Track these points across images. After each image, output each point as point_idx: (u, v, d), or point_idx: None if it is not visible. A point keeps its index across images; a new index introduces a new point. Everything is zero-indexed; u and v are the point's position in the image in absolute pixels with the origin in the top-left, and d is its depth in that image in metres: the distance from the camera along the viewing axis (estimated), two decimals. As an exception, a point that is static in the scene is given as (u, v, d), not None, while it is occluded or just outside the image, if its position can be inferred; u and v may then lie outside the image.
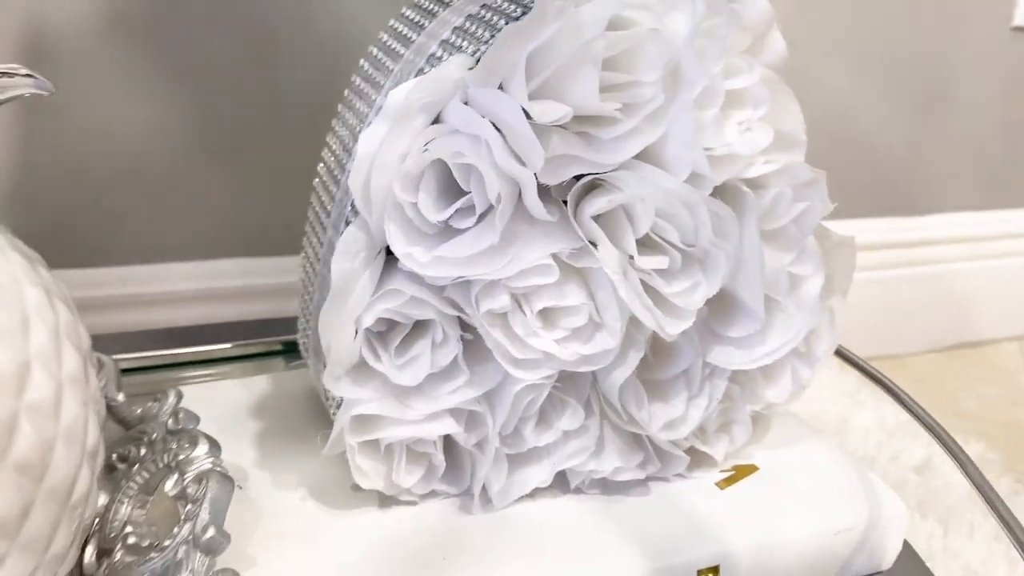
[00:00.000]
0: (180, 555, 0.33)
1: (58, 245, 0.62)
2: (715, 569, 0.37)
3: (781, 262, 0.36)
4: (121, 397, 0.42)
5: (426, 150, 0.32)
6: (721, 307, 0.37)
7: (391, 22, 0.41)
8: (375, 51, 0.40)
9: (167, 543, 0.33)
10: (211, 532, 0.33)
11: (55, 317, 0.32)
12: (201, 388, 0.47)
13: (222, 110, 0.64)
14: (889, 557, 0.42)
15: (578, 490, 0.40)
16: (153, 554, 0.33)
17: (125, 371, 0.50)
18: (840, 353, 0.55)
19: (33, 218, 0.61)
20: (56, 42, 0.57)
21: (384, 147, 0.32)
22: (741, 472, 0.42)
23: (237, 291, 0.70)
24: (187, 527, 0.33)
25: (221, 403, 0.45)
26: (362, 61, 0.41)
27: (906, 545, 0.44)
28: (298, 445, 0.42)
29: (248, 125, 0.65)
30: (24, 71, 0.31)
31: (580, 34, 0.31)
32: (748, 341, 0.37)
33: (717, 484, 0.41)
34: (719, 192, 0.35)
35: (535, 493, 0.39)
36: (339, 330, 0.34)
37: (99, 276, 0.65)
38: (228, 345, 0.57)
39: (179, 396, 0.41)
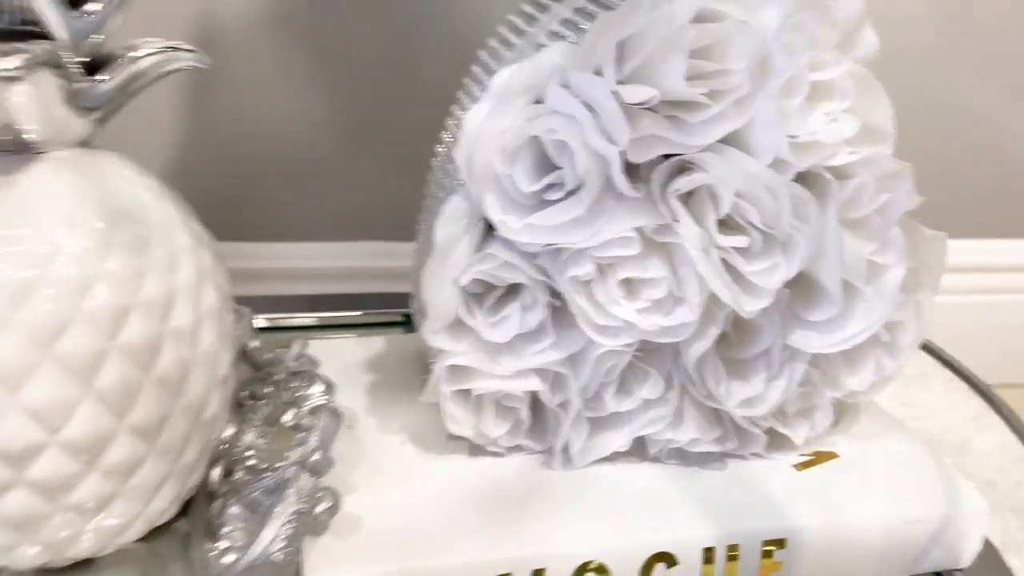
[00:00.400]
0: (289, 475, 0.37)
1: (211, 219, 0.69)
2: (781, 542, 0.39)
3: (863, 250, 0.38)
4: (254, 343, 0.48)
5: (524, 127, 0.36)
6: (803, 291, 0.39)
7: (509, 16, 0.45)
8: (493, 42, 0.44)
9: (280, 465, 0.38)
10: (317, 456, 0.37)
11: (199, 260, 0.37)
12: (324, 343, 0.52)
13: (364, 103, 0.69)
14: (967, 555, 0.42)
15: (656, 459, 0.42)
16: (267, 473, 0.38)
17: (261, 330, 0.56)
18: (961, 373, 0.55)
19: (193, 192, 0.68)
20: (223, 31, 0.64)
21: (487, 124, 0.36)
22: (820, 457, 0.43)
23: (371, 272, 0.75)
24: (298, 451, 0.38)
25: (340, 357, 0.50)
26: (481, 52, 0.45)
27: (989, 546, 0.44)
28: (403, 398, 0.46)
29: (387, 116, 0.70)
30: (187, 47, 0.36)
31: (670, 24, 0.33)
32: (828, 326, 0.39)
33: (794, 466, 0.43)
34: (803, 178, 0.37)
35: (614, 457, 0.42)
36: (439, 288, 0.38)
37: (245, 249, 0.72)
38: (356, 312, 0.62)
39: (304, 345, 0.46)
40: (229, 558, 0.36)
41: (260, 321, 0.59)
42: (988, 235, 0.87)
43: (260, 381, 0.45)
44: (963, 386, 0.88)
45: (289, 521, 0.35)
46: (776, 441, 0.43)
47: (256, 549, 0.35)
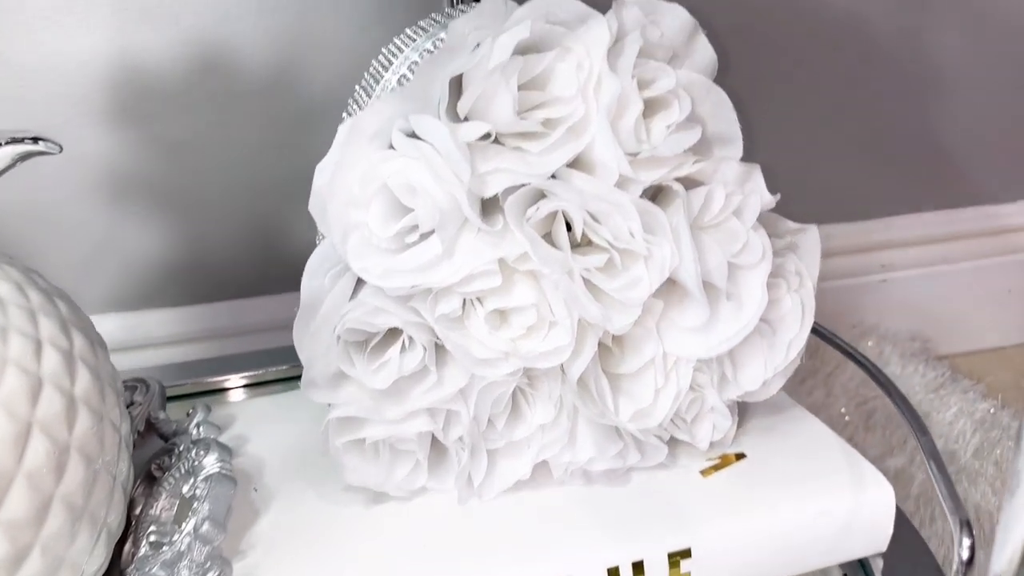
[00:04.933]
0: (184, 547, 0.37)
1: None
2: (687, 552, 0.39)
3: (725, 254, 0.38)
4: (163, 415, 0.48)
5: (372, 175, 0.36)
6: (676, 299, 0.39)
7: (376, 57, 0.45)
8: (357, 88, 0.44)
9: (175, 537, 0.38)
10: (207, 526, 0.37)
11: (70, 344, 0.37)
12: (240, 404, 0.52)
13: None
14: (881, 539, 0.42)
15: (561, 482, 0.42)
16: (165, 547, 0.38)
17: (186, 396, 0.56)
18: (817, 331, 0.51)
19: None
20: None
21: (337, 174, 0.36)
22: (726, 460, 0.44)
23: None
24: (192, 522, 0.38)
25: (251, 416, 0.50)
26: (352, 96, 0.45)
27: (910, 528, 0.44)
28: (312, 453, 0.45)
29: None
30: (32, 135, 0.36)
31: (490, 61, 0.34)
32: (703, 330, 0.39)
33: (701, 472, 0.43)
34: (655, 191, 0.37)
35: (520, 485, 0.42)
36: (312, 340, 0.38)
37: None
38: (283, 367, 0.62)
39: (207, 410, 0.46)
40: (130, 639, 0.36)
41: (187, 386, 0.58)
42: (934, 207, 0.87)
43: (167, 452, 0.45)
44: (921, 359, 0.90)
45: (181, 595, 0.35)
46: (680, 449, 0.43)
47: (153, 627, 0.35)
